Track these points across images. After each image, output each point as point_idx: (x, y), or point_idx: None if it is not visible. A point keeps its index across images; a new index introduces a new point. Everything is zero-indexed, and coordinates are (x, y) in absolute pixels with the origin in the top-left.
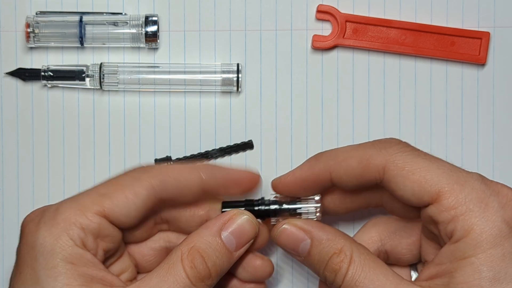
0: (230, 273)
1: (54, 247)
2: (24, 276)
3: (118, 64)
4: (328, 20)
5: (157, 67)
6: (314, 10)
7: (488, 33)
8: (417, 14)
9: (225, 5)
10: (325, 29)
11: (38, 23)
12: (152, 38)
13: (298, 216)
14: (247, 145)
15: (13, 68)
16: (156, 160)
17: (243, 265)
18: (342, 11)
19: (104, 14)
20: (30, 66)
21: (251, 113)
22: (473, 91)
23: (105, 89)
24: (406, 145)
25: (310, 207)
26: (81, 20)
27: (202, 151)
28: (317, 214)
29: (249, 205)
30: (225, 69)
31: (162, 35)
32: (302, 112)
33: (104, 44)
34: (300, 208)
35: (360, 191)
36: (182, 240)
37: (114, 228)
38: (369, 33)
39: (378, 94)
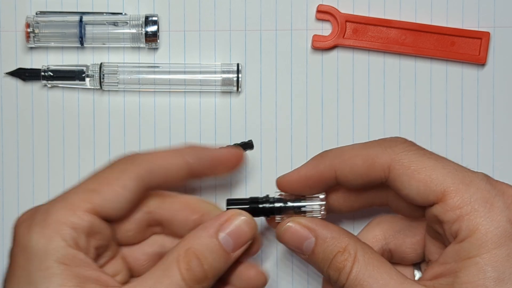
0: (224, 280)
1: (47, 249)
2: (18, 278)
3: (118, 64)
4: (328, 20)
5: (157, 67)
6: (314, 10)
7: (488, 33)
8: (417, 14)
9: (225, 5)
10: (325, 29)
11: (38, 23)
12: (152, 38)
13: (302, 214)
14: (247, 145)
15: (13, 68)
16: None
17: (237, 274)
18: (342, 11)
19: (104, 14)
20: (30, 66)
21: (251, 113)
22: (473, 91)
23: (105, 89)
24: (412, 144)
25: (314, 205)
26: (81, 20)
27: None
28: (322, 212)
29: (254, 202)
30: (225, 69)
31: (162, 35)
32: (302, 112)
33: (104, 44)
34: (304, 206)
35: (364, 189)
36: (179, 241)
37: (104, 224)
38: (369, 33)
39: (378, 94)
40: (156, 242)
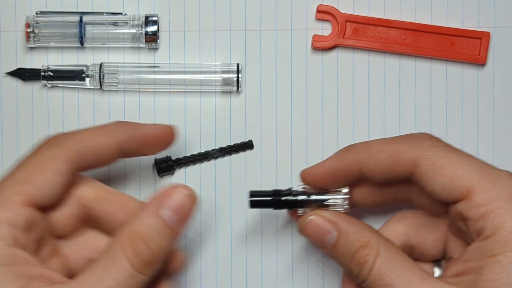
0: None
1: None
2: None
3: (118, 64)
4: (328, 20)
5: (157, 67)
6: (314, 10)
7: (488, 33)
8: (417, 14)
9: (225, 5)
10: (325, 29)
11: (38, 23)
12: (152, 38)
13: (325, 208)
14: (247, 145)
15: (13, 68)
16: (156, 160)
17: None
18: (342, 11)
19: (104, 14)
20: (30, 66)
21: (251, 113)
22: (473, 91)
23: (105, 89)
24: (438, 140)
25: (338, 199)
26: (81, 20)
27: (202, 151)
28: (345, 206)
29: (276, 195)
30: (225, 69)
31: (162, 35)
32: (302, 112)
33: (104, 44)
34: (328, 199)
35: (388, 185)
36: (121, 226)
37: (40, 214)
38: (369, 33)
39: (378, 94)
40: (93, 240)
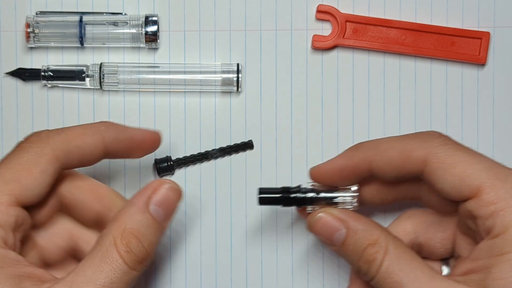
0: None
1: None
2: None
3: (118, 64)
4: (328, 20)
5: (157, 67)
6: (314, 10)
7: (488, 33)
8: (417, 14)
9: (225, 5)
10: (325, 29)
11: (38, 23)
12: (152, 38)
13: (334, 205)
14: (247, 145)
15: (13, 68)
16: (156, 160)
17: None
18: (342, 11)
19: (104, 14)
20: (30, 66)
21: (251, 113)
22: (473, 91)
23: (105, 89)
24: (448, 138)
25: (347, 196)
26: (81, 20)
27: (202, 151)
28: (354, 204)
29: (286, 192)
30: (225, 69)
31: (162, 35)
32: (302, 112)
33: (104, 44)
34: (337, 197)
35: (397, 183)
36: (110, 223)
37: (25, 213)
38: (369, 33)
39: (378, 94)
40: (67, 229)
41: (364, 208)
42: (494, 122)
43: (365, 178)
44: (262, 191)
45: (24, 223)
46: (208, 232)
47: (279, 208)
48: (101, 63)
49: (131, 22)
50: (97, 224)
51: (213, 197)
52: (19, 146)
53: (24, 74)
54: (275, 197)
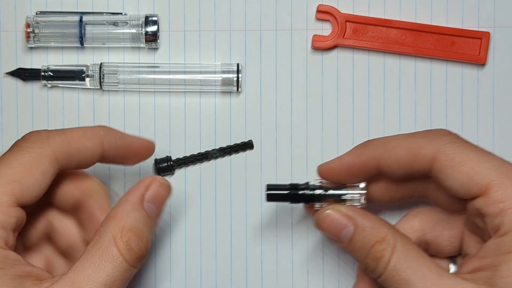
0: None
1: None
2: None
3: (118, 64)
4: (328, 20)
5: (157, 67)
6: (314, 10)
7: (488, 33)
8: (417, 14)
9: (225, 5)
10: (325, 29)
11: (38, 23)
12: (152, 38)
13: (342, 203)
14: (247, 145)
15: (13, 68)
16: (156, 160)
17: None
18: (342, 11)
19: (104, 14)
20: (30, 66)
21: (251, 113)
22: (473, 91)
23: (105, 89)
24: (457, 136)
25: (355, 194)
26: (81, 20)
27: (202, 151)
28: (362, 201)
29: (294, 189)
30: (225, 69)
31: (162, 35)
32: (302, 112)
33: (104, 44)
34: (345, 194)
35: (405, 180)
36: (106, 220)
37: (24, 213)
38: (369, 33)
39: (378, 94)
40: (44, 213)
41: (372, 206)
42: (494, 122)
43: (373, 175)
44: (270, 187)
45: (22, 223)
46: (208, 232)
47: (279, 208)
48: (101, 63)
49: (131, 22)
50: (75, 210)
51: (213, 197)
52: (19, 146)
53: (24, 74)
54: (283, 193)
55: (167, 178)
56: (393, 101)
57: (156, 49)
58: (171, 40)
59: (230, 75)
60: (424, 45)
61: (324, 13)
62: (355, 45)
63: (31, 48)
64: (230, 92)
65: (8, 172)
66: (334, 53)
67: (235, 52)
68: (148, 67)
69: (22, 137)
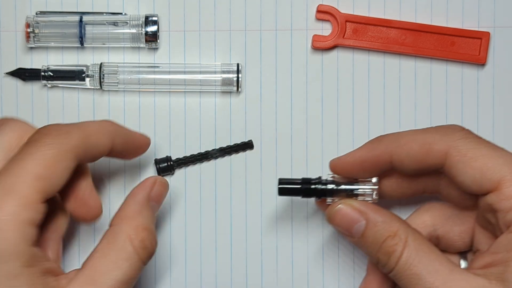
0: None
1: (11, 253)
2: None
3: (118, 64)
4: (328, 20)
5: (157, 67)
6: (314, 10)
7: (488, 33)
8: (417, 14)
9: (225, 5)
10: (325, 29)
11: (38, 23)
12: (152, 38)
13: (354, 197)
14: (247, 145)
15: (13, 68)
16: (156, 160)
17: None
18: (342, 11)
19: (104, 14)
20: (30, 66)
21: (251, 113)
22: (473, 91)
23: (105, 89)
24: (469, 132)
25: (367, 189)
26: (81, 20)
27: (202, 151)
28: (374, 196)
29: (306, 183)
30: (225, 69)
31: (162, 35)
32: (302, 112)
33: (104, 44)
34: (357, 189)
35: (417, 176)
36: (115, 218)
37: (47, 208)
38: (369, 33)
39: (378, 94)
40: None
41: (383, 201)
42: (494, 122)
43: (385, 171)
44: (282, 181)
45: (44, 218)
46: (208, 231)
47: (279, 208)
48: (101, 63)
49: (131, 22)
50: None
51: (213, 197)
52: (41, 141)
53: (24, 74)
54: (295, 188)
55: (167, 178)
56: (393, 101)
57: (156, 49)
58: (171, 40)
59: (230, 75)
60: (424, 45)
61: (324, 13)
62: (355, 45)
63: (31, 48)
64: (230, 92)
65: (36, 168)
66: (334, 53)
67: (235, 52)
68: (148, 67)
69: (42, 132)
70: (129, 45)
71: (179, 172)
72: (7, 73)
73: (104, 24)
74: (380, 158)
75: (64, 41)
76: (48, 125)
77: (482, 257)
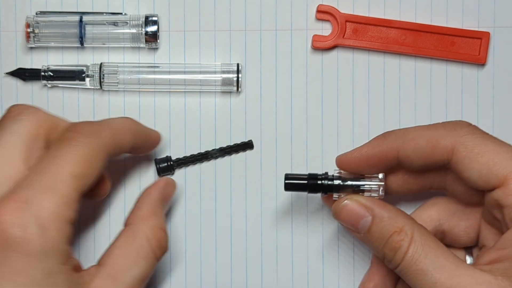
0: None
1: (50, 252)
2: (12, 279)
3: (118, 64)
4: (328, 20)
5: (157, 67)
6: (314, 10)
7: (488, 33)
8: (417, 14)
9: (225, 5)
10: (325, 29)
11: (38, 23)
12: (152, 38)
13: (360, 193)
14: (247, 145)
15: (13, 68)
16: (156, 160)
17: None
18: (342, 11)
19: (104, 14)
20: (30, 66)
21: (251, 113)
22: (473, 91)
23: (105, 89)
24: (476, 127)
25: (373, 184)
26: (81, 20)
27: (202, 151)
28: (380, 192)
29: (312, 179)
30: (225, 69)
31: (162, 35)
32: (302, 112)
33: (104, 44)
34: (363, 185)
35: (424, 172)
36: (131, 218)
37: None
38: (369, 33)
39: (378, 94)
40: None
41: (389, 197)
42: (494, 122)
43: (391, 167)
44: (288, 177)
45: None
46: (208, 231)
47: (279, 208)
48: (101, 63)
49: (131, 22)
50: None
51: (213, 197)
52: (76, 139)
53: (24, 74)
54: (302, 183)
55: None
56: (393, 101)
57: (156, 49)
58: (171, 40)
59: (230, 75)
60: (424, 45)
61: (324, 13)
62: (355, 45)
63: (31, 48)
64: (230, 92)
65: (73, 167)
66: (334, 53)
67: (235, 52)
68: (148, 67)
69: (75, 130)
70: (129, 45)
71: (179, 172)
72: (7, 73)
73: (104, 24)
74: (387, 154)
75: (64, 41)
76: (79, 123)
77: (488, 253)
